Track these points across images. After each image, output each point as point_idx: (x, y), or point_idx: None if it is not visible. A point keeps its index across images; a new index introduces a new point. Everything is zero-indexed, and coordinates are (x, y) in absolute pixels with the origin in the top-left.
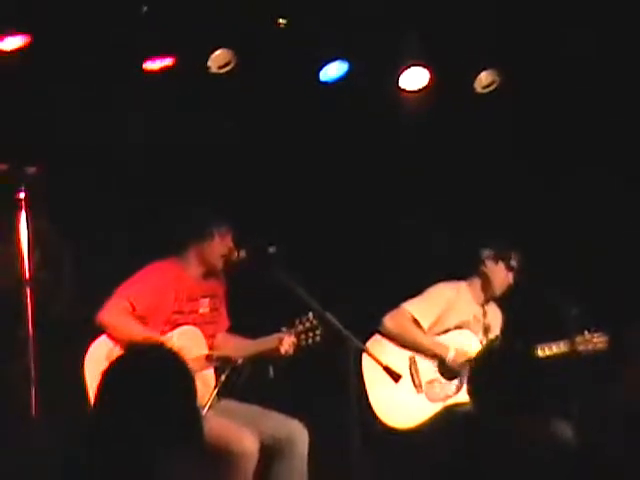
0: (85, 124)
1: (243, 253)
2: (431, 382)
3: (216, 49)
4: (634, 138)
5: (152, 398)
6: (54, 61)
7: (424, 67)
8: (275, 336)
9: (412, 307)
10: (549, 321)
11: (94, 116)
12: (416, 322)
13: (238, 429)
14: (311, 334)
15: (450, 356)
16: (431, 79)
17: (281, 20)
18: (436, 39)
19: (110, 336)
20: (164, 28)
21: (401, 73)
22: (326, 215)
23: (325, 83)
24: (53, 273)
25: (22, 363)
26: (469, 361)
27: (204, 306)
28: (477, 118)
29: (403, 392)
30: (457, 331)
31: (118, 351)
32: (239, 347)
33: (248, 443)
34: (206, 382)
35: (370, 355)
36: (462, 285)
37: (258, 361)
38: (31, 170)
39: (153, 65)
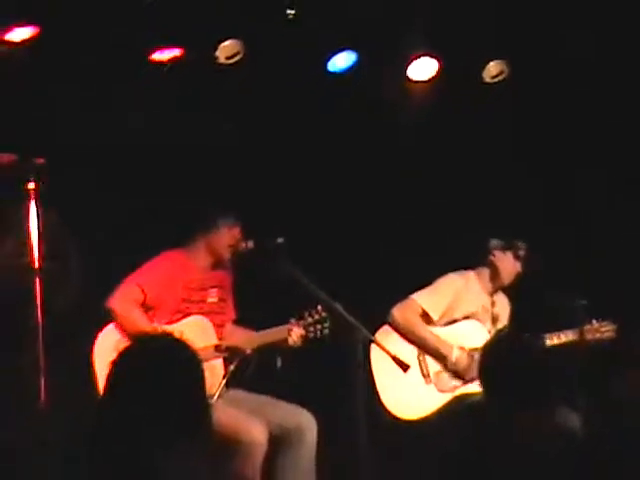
0: (90, 119)
1: (251, 244)
2: (439, 372)
3: (224, 40)
4: None
5: (161, 387)
6: (61, 53)
7: (432, 57)
8: (284, 327)
9: (421, 299)
10: (557, 310)
11: (100, 109)
12: (425, 314)
13: (247, 419)
14: (319, 327)
15: (453, 356)
16: (439, 69)
17: (289, 11)
18: (444, 29)
19: (118, 325)
20: (172, 19)
21: (409, 63)
22: (335, 206)
23: (333, 74)
24: (60, 264)
25: (31, 353)
26: (472, 355)
27: (212, 296)
28: (486, 108)
29: (412, 383)
30: (464, 322)
31: (127, 339)
32: (247, 338)
33: (257, 433)
34: (215, 372)
35: (378, 345)
36: (471, 275)
37: (265, 352)
38: (40, 161)
39: (161, 56)
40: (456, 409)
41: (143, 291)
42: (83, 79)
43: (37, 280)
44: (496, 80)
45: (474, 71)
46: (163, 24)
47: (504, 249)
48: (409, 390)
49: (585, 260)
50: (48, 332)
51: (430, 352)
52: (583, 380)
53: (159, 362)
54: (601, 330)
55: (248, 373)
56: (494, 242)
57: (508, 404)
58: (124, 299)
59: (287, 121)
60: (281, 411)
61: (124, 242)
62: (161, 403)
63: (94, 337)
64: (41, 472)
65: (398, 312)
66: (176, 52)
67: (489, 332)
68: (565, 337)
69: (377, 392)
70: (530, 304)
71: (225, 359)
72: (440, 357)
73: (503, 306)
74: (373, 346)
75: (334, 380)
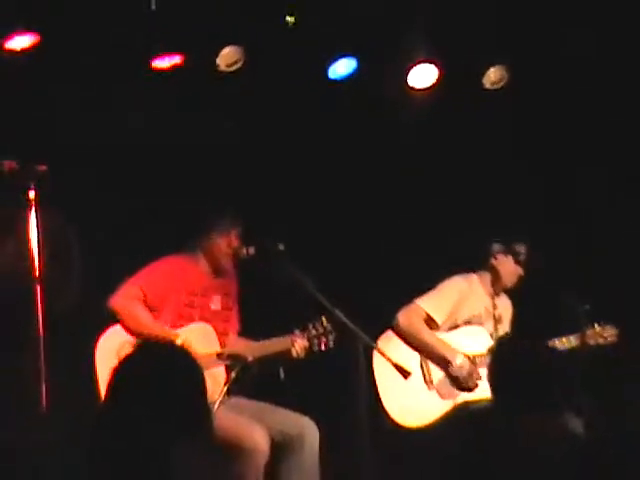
0: (91, 123)
1: (252, 250)
2: (443, 379)
3: (225, 47)
4: None
5: (162, 394)
6: (62, 60)
7: (432, 64)
8: (287, 337)
9: (425, 303)
10: (559, 315)
11: (102, 115)
12: (430, 319)
13: (249, 425)
14: (324, 339)
15: (458, 362)
16: (440, 76)
17: (289, 18)
18: (444, 36)
19: (121, 324)
20: (173, 26)
21: (410, 70)
22: (336, 212)
23: (334, 80)
24: (60, 270)
25: (32, 359)
26: (474, 361)
27: (216, 303)
28: (486, 114)
29: (414, 389)
30: (467, 327)
31: (129, 342)
32: (250, 347)
33: (259, 439)
34: (217, 379)
35: (380, 352)
36: (474, 277)
37: (268, 363)
38: (41, 168)
39: (162, 63)
40: (458, 415)
41: (144, 292)
42: (83, 80)
43: (38, 288)
44: (496, 86)
45: (474, 77)
46: (164, 31)
47: (505, 253)
48: (411, 397)
49: (586, 258)
50: (48, 334)
51: (434, 357)
52: (585, 383)
53: (159, 369)
54: (604, 335)
55: (249, 380)
56: (496, 246)
57: (514, 407)
58: (125, 298)
59: (287, 127)
60: (282, 417)
61: (124, 242)
62: (161, 410)
63: (94, 338)
64: (42, 473)
65: (402, 317)
66: (177, 59)
67: (491, 335)
68: (567, 342)
69: (379, 399)
70: (532, 307)
71: (227, 366)
72: (444, 362)
73: (505, 308)
74: (375, 353)
75: (336, 387)
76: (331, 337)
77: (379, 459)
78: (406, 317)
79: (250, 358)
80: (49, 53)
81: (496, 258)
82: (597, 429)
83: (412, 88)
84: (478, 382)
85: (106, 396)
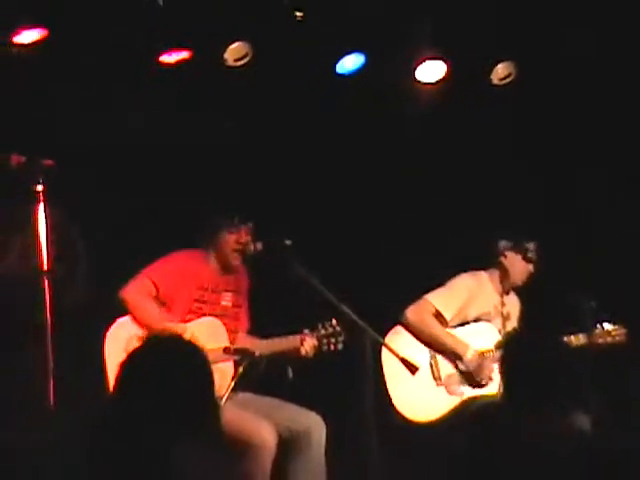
0: (90, 119)
1: (260, 246)
2: (451, 375)
3: (232, 42)
4: None
5: (170, 389)
6: (68, 55)
7: (441, 59)
8: (297, 336)
9: (435, 299)
10: (567, 314)
11: (103, 114)
12: (439, 314)
13: (256, 421)
14: (333, 340)
15: (469, 356)
16: (448, 71)
17: (297, 13)
18: (452, 32)
19: (131, 315)
20: (180, 22)
21: (418, 65)
22: (344, 208)
23: (342, 75)
24: (67, 265)
25: (40, 354)
26: (483, 356)
27: (226, 299)
28: (494, 110)
29: (423, 385)
30: (476, 324)
31: (137, 334)
32: (259, 344)
33: (267, 435)
34: (225, 374)
35: (387, 347)
36: (483, 275)
37: (276, 361)
38: (48, 163)
39: (169, 58)
40: (465, 411)
41: (155, 285)
42: (87, 80)
43: (46, 281)
44: (505, 82)
45: (482, 73)
46: (172, 26)
47: (514, 250)
48: (420, 392)
49: (586, 258)
50: (55, 332)
51: (445, 351)
52: (593, 380)
53: (167, 364)
54: (612, 334)
55: (257, 375)
56: (504, 243)
57: (523, 402)
58: (137, 290)
59: (294, 122)
60: (289, 413)
61: (124, 242)
62: (169, 404)
63: (98, 335)
64: (50, 473)
65: (412, 312)
66: (184, 54)
67: (499, 332)
68: (575, 340)
69: (388, 394)
70: (540, 304)
71: (235, 362)
72: (454, 356)
73: (513, 305)
74: (384, 348)
75: (344, 383)
76: (340, 339)
77: (386, 455)
78: (416, 312)
79: (257, 353)
80: (55, 49)
81: (505, 256)
82: (604, 426)
83: (420, 83)
84: (490, 377)
85: (114, 390)
